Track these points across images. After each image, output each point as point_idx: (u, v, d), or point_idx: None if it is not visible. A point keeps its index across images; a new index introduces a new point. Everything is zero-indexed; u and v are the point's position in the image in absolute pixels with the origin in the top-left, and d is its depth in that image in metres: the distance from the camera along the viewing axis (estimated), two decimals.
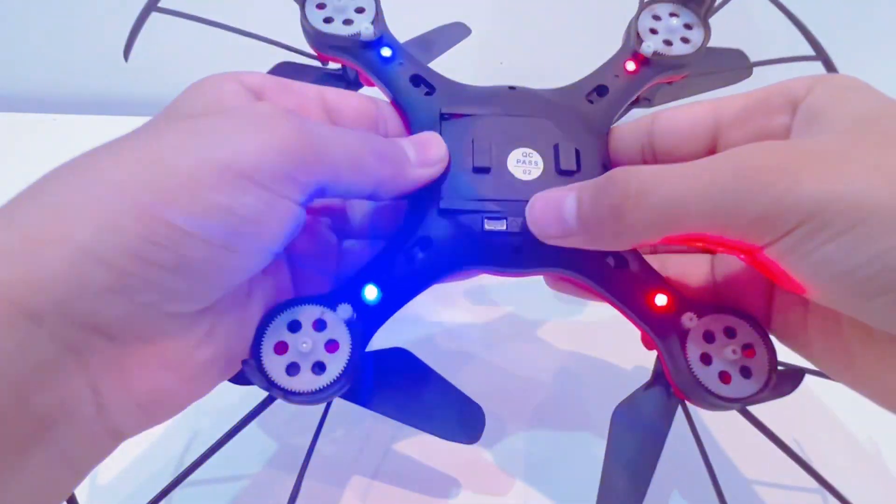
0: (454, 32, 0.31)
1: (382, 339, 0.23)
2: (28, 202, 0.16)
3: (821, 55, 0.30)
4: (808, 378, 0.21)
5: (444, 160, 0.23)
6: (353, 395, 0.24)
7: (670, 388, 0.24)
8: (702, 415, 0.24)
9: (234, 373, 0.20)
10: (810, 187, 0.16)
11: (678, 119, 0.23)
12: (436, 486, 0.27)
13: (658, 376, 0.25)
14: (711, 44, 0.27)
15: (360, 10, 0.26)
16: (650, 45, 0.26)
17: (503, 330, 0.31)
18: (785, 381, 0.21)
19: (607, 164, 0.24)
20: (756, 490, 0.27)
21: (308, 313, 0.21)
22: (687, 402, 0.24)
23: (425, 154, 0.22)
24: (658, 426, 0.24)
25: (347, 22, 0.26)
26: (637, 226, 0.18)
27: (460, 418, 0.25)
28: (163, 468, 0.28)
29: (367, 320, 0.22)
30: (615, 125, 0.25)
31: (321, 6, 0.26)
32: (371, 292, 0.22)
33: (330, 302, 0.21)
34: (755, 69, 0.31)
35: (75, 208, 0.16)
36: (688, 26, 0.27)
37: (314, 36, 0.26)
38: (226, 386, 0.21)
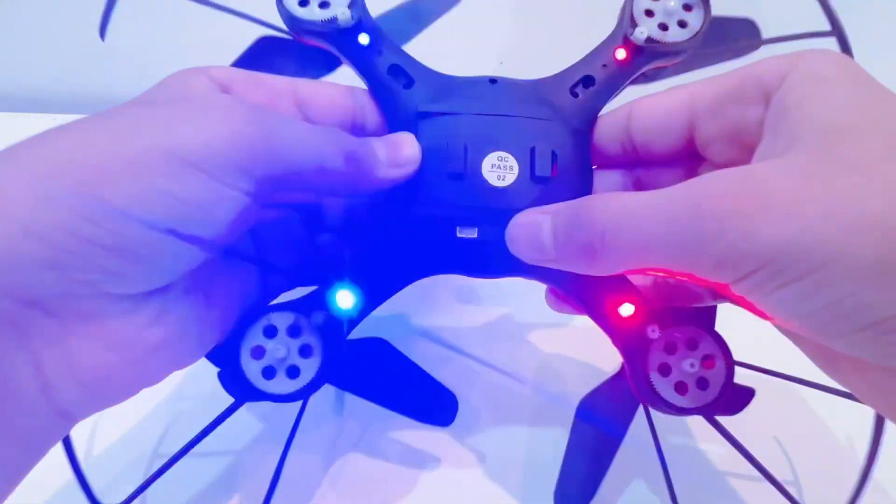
0: (439, 4, 0.29)
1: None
2: None
3: (835, 30, 0.28)
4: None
5: (416, 161, 0.23)
6: (335, 380, 0.25)
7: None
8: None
9: (189, 361, 0.21)
10: (765, 233, 0.16)
11: (654, 110, 0.23)
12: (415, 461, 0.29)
13: (623, 372, 0.26)
14: (719, 12, 0.25)
15: None
16: (643, 31, 0.24)
17: (491, 330, 0.32)
18: (737, 397, 0.22)
19: (588, 166, 0.24)
20: (708, 485, 0.29)
21: (283, 319, 0.22)
22: None
23: (396, 154, 0.22)
24: (619, 417, 0.26)
25: (324, 5, 0.25)
26: (608, 263, 0.18)
27: (434, 403, 0.26)
28: (140, 454, 0.29)
29: (340, 324, 0.23)
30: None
31: None
32: (343, 298, 0.23)
33: (304, 308, 0.22)
34: (764, 45, 0.29)
35: (16, 185, 0.16)
36: (687, 7, 0.25)
37: (288, 20, 0.25)
38: (204, 369, 0.22)
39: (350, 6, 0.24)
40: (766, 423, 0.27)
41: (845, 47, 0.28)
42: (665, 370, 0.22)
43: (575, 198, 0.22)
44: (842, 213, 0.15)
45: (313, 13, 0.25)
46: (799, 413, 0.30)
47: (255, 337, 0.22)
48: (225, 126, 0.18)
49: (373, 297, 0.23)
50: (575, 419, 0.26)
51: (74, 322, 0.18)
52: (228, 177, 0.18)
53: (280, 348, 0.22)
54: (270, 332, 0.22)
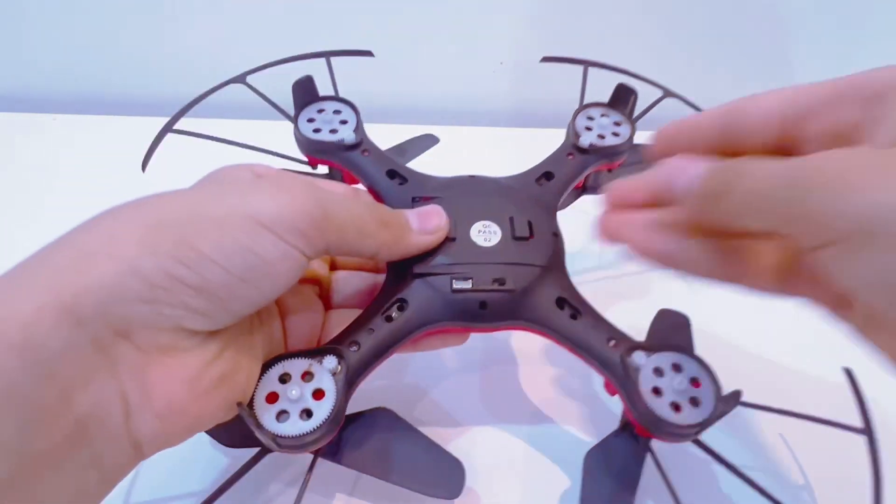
0: (424, 142, 0.36)
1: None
2: (85, 228, 0.20)
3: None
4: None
5: (445, 229, 0.26)
6: (336, 456, 0.25)
7: (635, 430, 0.26)
8: (672, 461, 0.26)
9: (234, 401, 0.22)
10: (869, 196, 0.15)
11: (756, 106, 0.22)
12: None
13: (626, 424, 0.27)
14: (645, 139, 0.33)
15: (343, 122, 0.32)
16: (587, 139, 0.31)
17: (490, 391, 0.32)
18: (727, 401, 0.23)
19: (557, 233, 0.28)
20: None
21: (297, 366, 0.24)
22: (651, 442, 0.26)
23: (427, 223, 0.26)
24: (630, 470, 0.26)
25: (333, 131, 0.31)
26: (731, 204, 0.19)
27: (441, 474, 0.26)
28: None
29: (351, 373, 0.24)
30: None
31: (311, 120, 0.32)
32: (354, 347, 0.24)
33: (317, 355, 0.24)
34: None
35: (126, 233, 0.19)
36: (617, 123, 0.32)
37: (305, 143, 0.31)
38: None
39: (354, 130, 0.31)
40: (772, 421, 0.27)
41: None
42: (657, 392, 0.24)
43: (541, 256, 0.26)
44: None
45: (326, 136, 0.31)
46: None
47: (270, 383, 0.23)
48: (292, 198, 0.22)
49: (381, 348, 0.25)
50: (584, 472, 0.26)
51: (154, 354, 0.20)
52: (290, 237, 0.21)
53: (295, 389, 0.23)
54: (285, 378, 0.23)
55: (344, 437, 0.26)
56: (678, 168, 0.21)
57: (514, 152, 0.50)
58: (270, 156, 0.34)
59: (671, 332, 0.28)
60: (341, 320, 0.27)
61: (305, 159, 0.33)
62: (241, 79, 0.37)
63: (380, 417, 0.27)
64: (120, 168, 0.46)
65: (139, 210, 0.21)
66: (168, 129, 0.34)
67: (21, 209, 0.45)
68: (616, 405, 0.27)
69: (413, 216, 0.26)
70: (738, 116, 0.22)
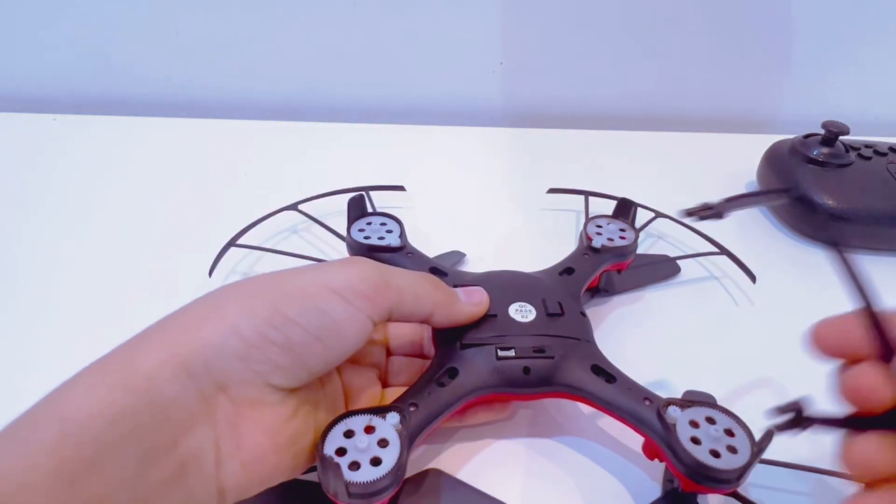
0: (454, 257, 0.41)
1: None
2: (197, 301, 0.24)
3: (723, 251, 0.41)
4: None
5: (485, 305, 0.30)
6: None
7: (679, 494, 0.27)
8: None
9: (305, 460, 0.24)
10: None
11: None
12: None
13: (669, 488, 0.28)
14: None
15: (389, 231, 0.37)
16: (598, 241, 0.36)
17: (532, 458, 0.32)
18: (763, 442, 0.25)
19: (584, 313, 0.32)
20: None
21: (360, 421, 0.25)
22: (696, 497, 0.27)
23: (472, 297, 0.30)
24: None
25: (381, 238, 0.36)
26: None
27: None
28: None
29: (412, 430, 0.26)
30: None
31: (362, 230, 0.37)
32: (412, 408, 0.27)
33: (380, 412, 0.26)
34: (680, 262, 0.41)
35: (230, 301, 0.24)
36: (622, 230, 0.38)
37: (357, 247, 0.36)
38: None
39: (399, 237, 0.36)
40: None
41: (735, 261, 0.40)
42: (696, 441, 0.26)
43: (574, 330, 0.30)
44: None
45: (375, 241, 0.36)
46: None
47: (336, 440, 0.25)
48: (356, 269, 0.26)
49: (435, 412, 0.27)
50: None
51: (245, 407, 0.23)
52: (357, 300, 0.25)
53: (362, 440, 0.24)
54: (350, 434, 0.25)
55: (399, 502, 0.27)
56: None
57: (513, 152, 0.53)
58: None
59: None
60: (395, 396, 0.29)
61: None
62: (293, 207, 0.43)
63: (430, 477, 0.28)
64: (120, 168, 0.50)
65: (238, 286, 0.25)
66: (231, 244, 0.39)
67: (21, 209, 0.45)
68: (652, 472, 0.28)
69: (459, 291, 0.30)
70: None
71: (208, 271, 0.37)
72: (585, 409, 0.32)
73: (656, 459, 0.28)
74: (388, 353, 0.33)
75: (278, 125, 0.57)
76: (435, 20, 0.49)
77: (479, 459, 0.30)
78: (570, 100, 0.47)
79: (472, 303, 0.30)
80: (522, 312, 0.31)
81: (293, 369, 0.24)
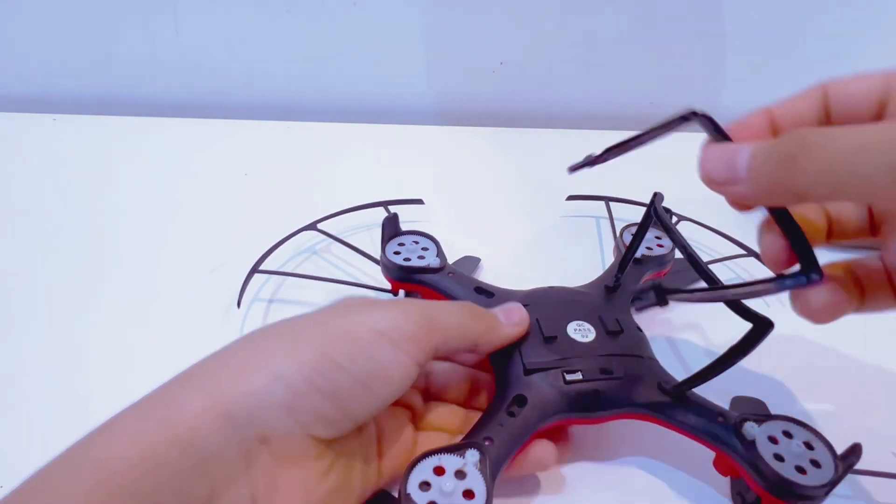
0: (468, 263, 0.40)
1: None
2: (239, 345, 0.23)
3: (751, 253, 0.41)
4: None
5: (526, 321, 0.29)
6: None
7: None
8: None
9: None
10: None
11: (849, 87, 0.23)
12: None
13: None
14: None
15: (425, 249, 0.35)
16: (638, 251, 0.36)
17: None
18: (848, 456, 0.25)
19: (640, 328, 0.31)
20: None
21: (449, 462, 0.24)
22: None
23: (511, 316, 0.29)
24: None
25: (420, 258, 0.35)
26: (806, 178, 0.18)
27: None
28: None
29: (492, 467, 0.25)
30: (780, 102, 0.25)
31: (397, 252, 0.35)
32: (488, 442, 0.25)
33: (458, 450, 0.25)
34: None
35: (272, 348, 0.22)
36: (658, 237, 0.38)
37: (396, 269, 0.34)
38: None
39: (437, 256, 0.35)
40: None
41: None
42: (779, 458, 0.25)
43: (636, 346, 0.29)
44: None
45: (415, 262, 0.34)
46: None
47: (423, 472, 0.23)
48: (402, 311, 0.25)
49: (510, 444, 0.26)
50: None
51: (284, 461, 0.22)
52: (404, 343, 0.24)
53: (448, 483, 0.23)
54: (439, 471, 0.24)
55: None
56: (727, 151, 0.21)
57: (513, 152, 0.53)
58: (346, 286, 0.37)
59: (754, 409, 0.30)
60: (429, 441, 0.28)
61: (379, 286, 0.36)
62: (312, 226, 0.41)
63: None
64: (120, 168, 0.50)
65: (279, 328, 0.24)
66: (255, 270, 0.37)
67: (21, 209, 0.45)
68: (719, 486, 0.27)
69: (498, 312, 0.29)
70: (838, 92, 0.22)
71: (236, 302, 0.35)
72: (635, 424, 0.31)
73: (729, 476, 0.28)
74: (426, 396, 0.31)
75: (282, 125, 0.56)
76: (435, 20, 0.48)
77: (545, 485, 0.29)
78: (571, 100, 0.46)
79: (514, 323, 0.29)
80: (582, 332, 0.30)
81: (337, 419, 0.23)
